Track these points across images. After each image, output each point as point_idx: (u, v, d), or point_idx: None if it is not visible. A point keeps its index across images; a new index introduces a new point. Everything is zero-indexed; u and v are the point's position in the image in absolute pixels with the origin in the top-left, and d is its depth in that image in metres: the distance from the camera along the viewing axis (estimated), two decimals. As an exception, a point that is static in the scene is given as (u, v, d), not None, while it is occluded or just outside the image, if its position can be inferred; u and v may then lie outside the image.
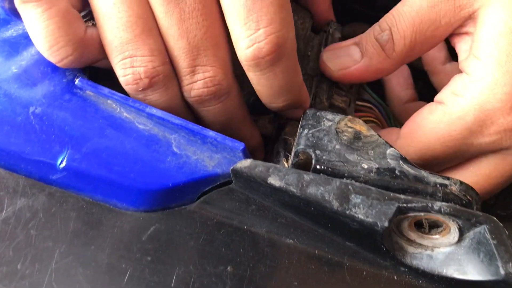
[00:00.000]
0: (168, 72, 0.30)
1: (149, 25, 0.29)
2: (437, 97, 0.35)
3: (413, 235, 0.30)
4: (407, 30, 0.35)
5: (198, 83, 0.30)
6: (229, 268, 0.28)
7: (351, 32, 0.47)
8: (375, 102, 0.43)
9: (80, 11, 0.31)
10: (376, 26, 0.38)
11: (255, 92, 0.38)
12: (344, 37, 0.46)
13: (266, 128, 0.37)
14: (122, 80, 0.30)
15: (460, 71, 0.36)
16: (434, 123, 0.34)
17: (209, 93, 0.31)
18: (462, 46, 0.36)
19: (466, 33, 0.35)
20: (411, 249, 0.30)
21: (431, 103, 0.36)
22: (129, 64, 0.29)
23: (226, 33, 0.31)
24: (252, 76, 0.31)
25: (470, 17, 0.34)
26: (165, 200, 0.29)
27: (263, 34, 0.28)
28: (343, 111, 0.39)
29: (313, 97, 0.39)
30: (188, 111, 0.33)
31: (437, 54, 0.45)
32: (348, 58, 0.39)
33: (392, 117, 0.44)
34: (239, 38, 0.29)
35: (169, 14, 0.29)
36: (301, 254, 0.30)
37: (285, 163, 0.32)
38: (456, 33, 0.36)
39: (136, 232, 0.29)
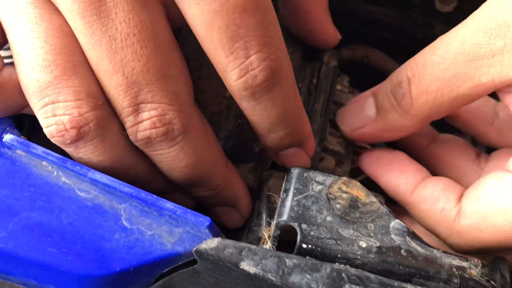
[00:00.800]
0: (102, 117, 0.24)
1: (73, 61, 0.23)
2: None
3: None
4: (432, 84, 0.29)
5: (144, 124, 0.24)
6: None
7: (350, 55, 0.41)
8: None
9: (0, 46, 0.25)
10: (392, 77, 0.32)
11: (233, 135, 0.32)
12: (341, 62, 0.40)
13: (246, 179, 0.31)
14: (46, 132, 0.24)
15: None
16: None
17: (159, 134, 0.25)
18: None
19: None
20: None
21: (505, 173, 0.28)
22: (50, 113, 0.23)
23: (180, 57, 0.26)
24: (247, 106, 0.26)
25: None
26: (113, 287, 0.23)
27: (255, 60, 0.24)
28: (338, 156, 0.33)
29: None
30: (140, 159, 0.27)
31: (480, 112, 0.37)
32: (361, 115, 0.33)
33: None
34: (226, 69, 0.25)
35: (97, 44, 0.23)
36: None
37: (265, 234, 0.26)
38: (504, 91, 0.29)
39: (76, 328, 0.23)
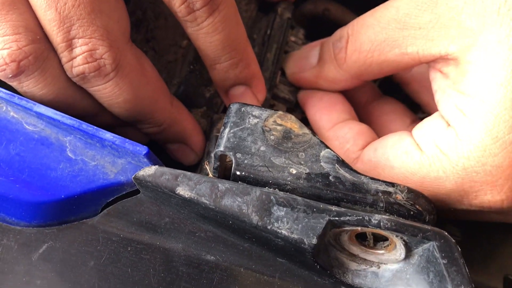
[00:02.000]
0: (42, 51, 0.25)
1: None
2: (416, 133, 0.30)
3: (356, 249, 0.26)
4: (364, 44, 0.31)
5: (77, 59, 0.26)
6: (134, 292, 0.24)
7: (312, 8, 0.42)
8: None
9: None
10: (338, 31, 0.33)
11: (185, 81, 0.33)
12: (303, 16, 0.41)
13: (199, 123, 0.33)
14: None
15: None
16: (408, 171, 0.29)
17: (91, 69, 0.26)
18: (436, 83, 0.30)
19: (440, 71, 0.30)
20: (353, 265, 0.26)
21: (407, 136, 0.30)
22: None
23: None
24: (191, 32, 0.29)
25: (443, 58, 0.29)
26: (60, 214, 0.25)
27: None
28: (289, 103, 0.35)
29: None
30: (84, 94, 0.28)
31: (425, 81, 0.39)
32: (305, 61, 0.35)
33: None
34: None
35: None
36: (224, 272, 0.26)
37: (207, 168, 0.28)
38: (430, 66, 0.31)
39: (25, 251, 0.25)
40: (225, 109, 0.34)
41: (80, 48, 0.25)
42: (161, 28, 0.34)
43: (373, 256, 0.26)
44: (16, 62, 0.24)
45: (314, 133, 0.26)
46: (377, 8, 0.31)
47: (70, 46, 0.25)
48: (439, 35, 0.28)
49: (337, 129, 0.33)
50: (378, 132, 0.34)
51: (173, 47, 0.34)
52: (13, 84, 0.26)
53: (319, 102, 0.34)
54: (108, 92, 0.27)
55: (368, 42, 0.31)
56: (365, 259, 0.26)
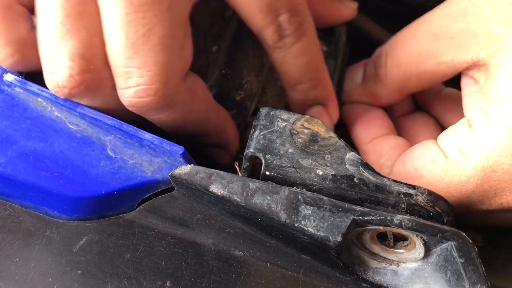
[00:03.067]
0: (94, 81, 0.26)
1: (84, 21, 0.25)
2: (441, 141, 0.31)
3: (377, 248, 0.28)
4: (402, 59, 0.33)
5: (130, 90, 0.26)
6: (168, 283, 0.26)
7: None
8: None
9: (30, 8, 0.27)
10: (378, 49, 0.36)
11: (217, 84, 0.35)
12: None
13: None
14: (47, 84, 0.26)
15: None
16: (435, 179, 0.30)
17: (142, 104, 0.26)
18: (466, 89, 0.32)
19: (472, 77, 0.32)
20: (374, 263, 0.28)
21: (433, 145, 0.32)
22: (49, 69, 0.26)
23: (185, 31, 0.28)
24: (278, 56, 0.32)
25: (475, 64, 0.31)
26: (99, 208, 0.27)
27: (286, 18, 0.30)
28: None
29: None
30: (133, 115, 0.29)
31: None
32: (350, 80, 0.38)
33: None
34: (263, 27, 0.30)
35: (113, 2, 0.25)
36: (251, 267, 0.27)
37: (237, 168, 0.29)
38: (463, 73, 0.32)
39: (67, 243, 0.26)
40: (254, 112, 0.35)
41: (136, 79, 0.25)
42: (193, 35, 0.35)
43: (393, 255, 0.28)
44: (68, 88, 0.25)
45: (339, 136, 0.28)
46: (411, 24, 0.33)
47: (127, 74, 0.25)
48: (470, 42, 0.30)
49: (375, 143, 0.35)
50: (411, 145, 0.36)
51: (204, 53, 0.35)
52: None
53: (360, 117, 0.36)
54: (156, 120, 0.28)
55: (405, 56, 0.33)
56: (385, 258, 0.28)
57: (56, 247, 0.26)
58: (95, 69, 0.25)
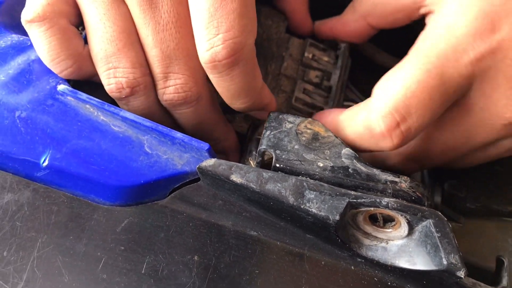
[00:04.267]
0: (148, 82, 0.33)
1: (131, 39, 0.32)
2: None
3: (369, 229, 0.33)
4: None
5: (169, 88, 0.33)
6: (195, 257, 0.31)
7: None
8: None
9: (77, 27, 0.34)
10: None
11: None
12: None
13: (241, 127, 0.40)
14: (107, 88, 0.33)
15: None
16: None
17: (180, 98, 0.33)
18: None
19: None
20: (367, 241, 0.33)
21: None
22: (112, 75, 0.32)
23: None
24: (212, 77, 0.33)
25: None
26: (138, 196, 0.32)
27: (221, 39, 0.29)
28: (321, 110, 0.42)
29: (293, 97, 0.42)
30: (166, 115, 0.36)
31: None
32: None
33: None
34: (200, 41, 0.30)
35: (146, 25, 0.32)
36: (264, 245, 0.32)
37: (251, 162, 0.35)
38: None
39: (111, 224, 0.31)
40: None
41: (174, 81, 0.33)
42: None
43: (382, 234, 0.33)
44: (130, 88, 0.33)
45: (336, 136, 0.33)
46: None
47: (166, 78, 0.33)
48: None
49: None
50: None
51: None
52: (121, 102, 0.34)
53: None
54: (187, 116, 0.35)
55: None
56: (376, 237, 0.33)
57: (102, 227, 0.31)
58: (148, 73, 0.33)
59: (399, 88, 0.32)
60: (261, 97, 0.35)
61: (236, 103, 0.35)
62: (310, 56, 0.44)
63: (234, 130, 0.40)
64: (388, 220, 0.33)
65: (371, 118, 0.32)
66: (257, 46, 0.33)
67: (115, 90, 0.33)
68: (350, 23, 0.42)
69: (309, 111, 0.42)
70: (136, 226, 0.32)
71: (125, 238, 0.31)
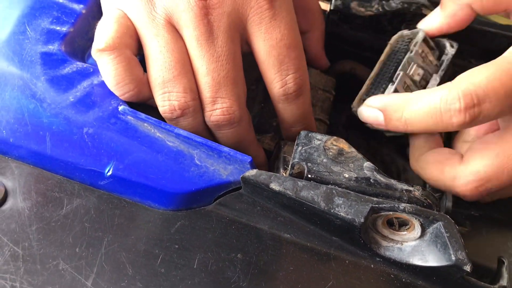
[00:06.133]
0: (196, 106, 0.39)
1: (185, 68, 0.38)
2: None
3: (386, 232, 0.38)
4: None
5: (217, 111, 0.39)
6: (239, 255, 0.36)
7: (342, 67, 0.56)
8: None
9: (137, 56, 0.39)
10: None
11: (258, 115, 0.46)
12: (335, 72, 0.55)
13: (268, 145, 0.46)
14: (161, 109, 0.38)
15: None
16: None
17: (225, 120, 0.39)
18: None
19: None
20: (384, 243, 0.38)
21: None
22: (167, 98, 0.38)
23: (243, 73, 0.40)
24: (282, 107, 0.41)
25: None
26: (188, 202, 0.37)
27: (291, 78, 0.40)
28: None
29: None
30: (209, 134, 0.41)
31: None
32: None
33: None
34: (273, 81, 0.40)
35: (201, 56, 0.38)
36: (296, 246, 0.37)
37: (284, 174, 0.40)
38: None
39: (166, 226, 0.36)
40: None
41: (221, 104, 0.38)
42: None
43: (398, 236, 0.37)
44: (181, 110, 0.38)
45: (358, 151, 0.39)
46: None
47: (214, 102, 0.38)
48: None
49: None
50: None
51: (247, 91, 0.47)
52: (173, 122, 0.39)
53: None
54: (228, 136, 0.40)
55: None
56: (392, 239, 0.37)
57: (158, 229, 0.36)
58: (197, 98, 0.38)
59: (482, 78, 0.36)
60: (312, 120, 0.44)
61: (296, 126, 0.43)
62: (420, 51, 0.46)
63: (263, 148, 0.45)
64: (403, 224, 0.38)
65: (453, 94, 0.36)
66: None
67: (168, 111, 0.38)
68: (457, 12, 0.44)
69: None
70: (187, 228, 0.36)
71: (178, 238, 0.36)
